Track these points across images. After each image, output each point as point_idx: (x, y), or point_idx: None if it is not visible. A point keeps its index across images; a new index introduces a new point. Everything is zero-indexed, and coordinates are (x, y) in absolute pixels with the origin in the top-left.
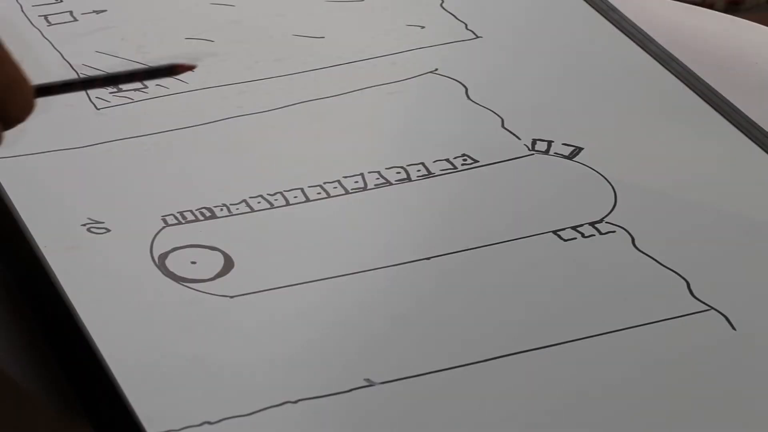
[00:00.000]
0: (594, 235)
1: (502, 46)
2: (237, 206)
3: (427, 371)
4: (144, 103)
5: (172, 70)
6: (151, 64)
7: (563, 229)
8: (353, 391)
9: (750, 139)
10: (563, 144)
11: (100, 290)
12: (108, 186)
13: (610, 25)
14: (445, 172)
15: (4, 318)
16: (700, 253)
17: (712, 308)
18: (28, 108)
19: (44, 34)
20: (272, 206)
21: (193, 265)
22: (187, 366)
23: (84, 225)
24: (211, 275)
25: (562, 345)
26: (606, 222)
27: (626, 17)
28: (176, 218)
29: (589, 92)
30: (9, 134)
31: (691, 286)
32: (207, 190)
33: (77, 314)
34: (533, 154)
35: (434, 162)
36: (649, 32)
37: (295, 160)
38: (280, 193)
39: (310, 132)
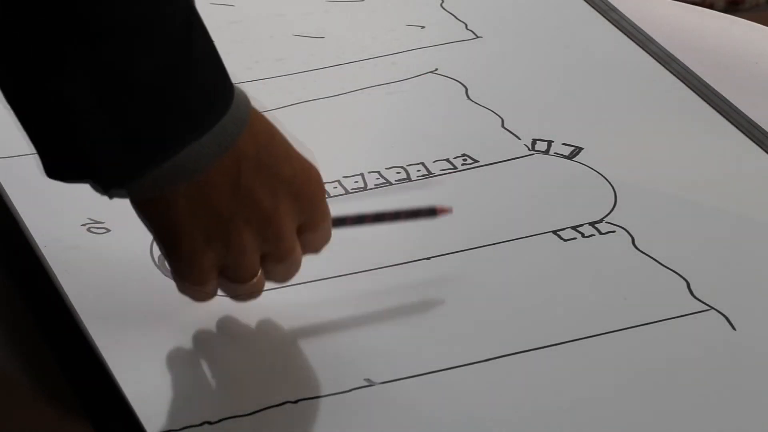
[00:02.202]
0: (594, 235)
1: (502, 46)
2: None
3: (427, 371)
4: None
5: (433, 212)
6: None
7: (563, 229)
8: (353, 391)
9: (750, 139)
10: (563, 144)
11: (100, 290)
12: None
13: (610, 25)
14: (445, 172)
15: (3, 317)
16: (700, 253)
17: (712, 308)
18: (322, 246)
19: None
20: None
21: None
22: (187, 366)
23: (84, 225)
24: None
25: (562, 345)
26: (606, 222)
27: (626, 17)
28: None
29: (589, 92)
30: (9, 134)
31: (691, 286)
32: None
33: (77, 314)
34: (533, 154)
35: (434, 162)
36: (649, 32)
37: None
38: None
39: (310, 132)
